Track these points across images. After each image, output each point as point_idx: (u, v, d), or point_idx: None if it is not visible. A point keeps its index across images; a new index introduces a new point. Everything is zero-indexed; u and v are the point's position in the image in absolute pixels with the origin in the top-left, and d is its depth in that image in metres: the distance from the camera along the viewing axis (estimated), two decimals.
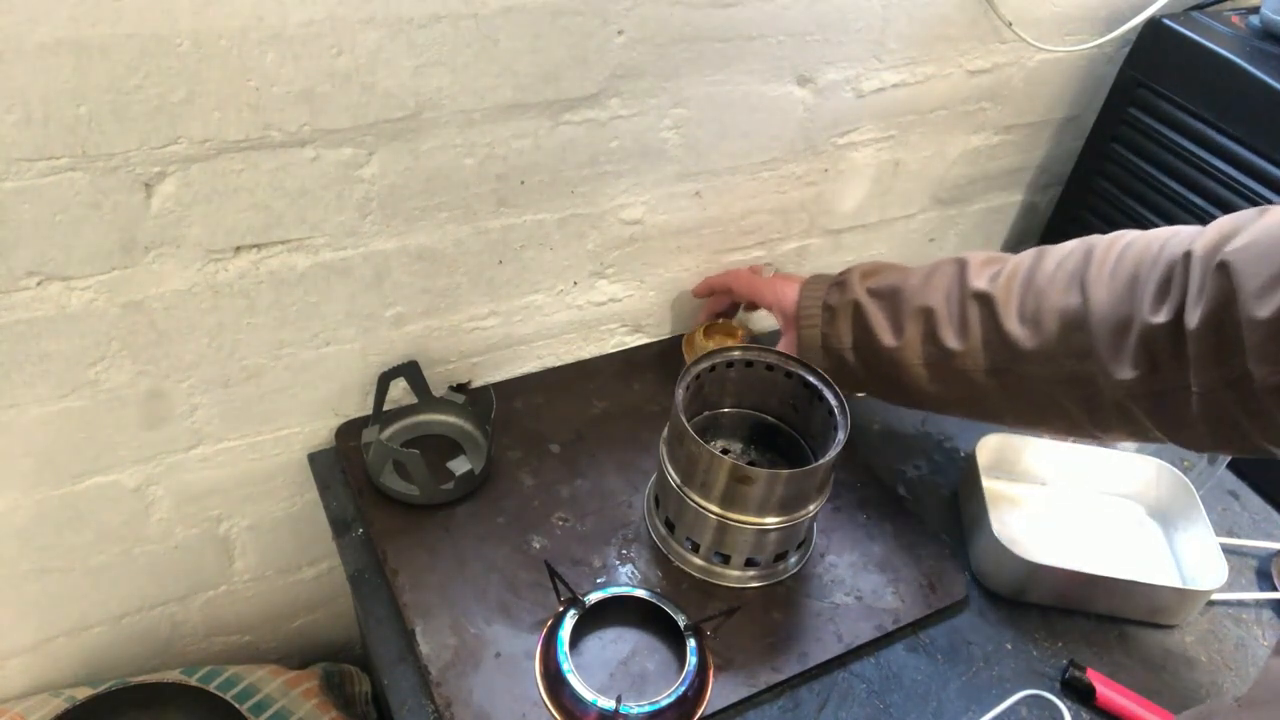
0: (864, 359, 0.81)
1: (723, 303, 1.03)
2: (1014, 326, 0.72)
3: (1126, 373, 0.66)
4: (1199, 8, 1.08)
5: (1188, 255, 0.63)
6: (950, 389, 0.78)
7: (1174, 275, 0.64)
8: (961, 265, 0.77)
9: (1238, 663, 0.84)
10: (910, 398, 0.82)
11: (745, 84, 0.91)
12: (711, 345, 1.00)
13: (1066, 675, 0.80)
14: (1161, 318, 0.64)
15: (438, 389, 0.95)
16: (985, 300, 0.73)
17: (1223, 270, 0.60)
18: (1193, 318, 0.61)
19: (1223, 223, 0.64)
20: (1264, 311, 0.57)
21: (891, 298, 0.79)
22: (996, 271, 0.75)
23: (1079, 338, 0.68)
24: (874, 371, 0.82)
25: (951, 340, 0.75)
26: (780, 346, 0.88)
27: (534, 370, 1.04)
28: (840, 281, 0.84)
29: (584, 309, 1.02)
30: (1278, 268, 0.57)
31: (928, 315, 0.76)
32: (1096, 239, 0.72)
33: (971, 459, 0.91)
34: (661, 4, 0.81)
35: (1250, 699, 0.54)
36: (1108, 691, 0.78)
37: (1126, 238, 0.70)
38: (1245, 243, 0.60)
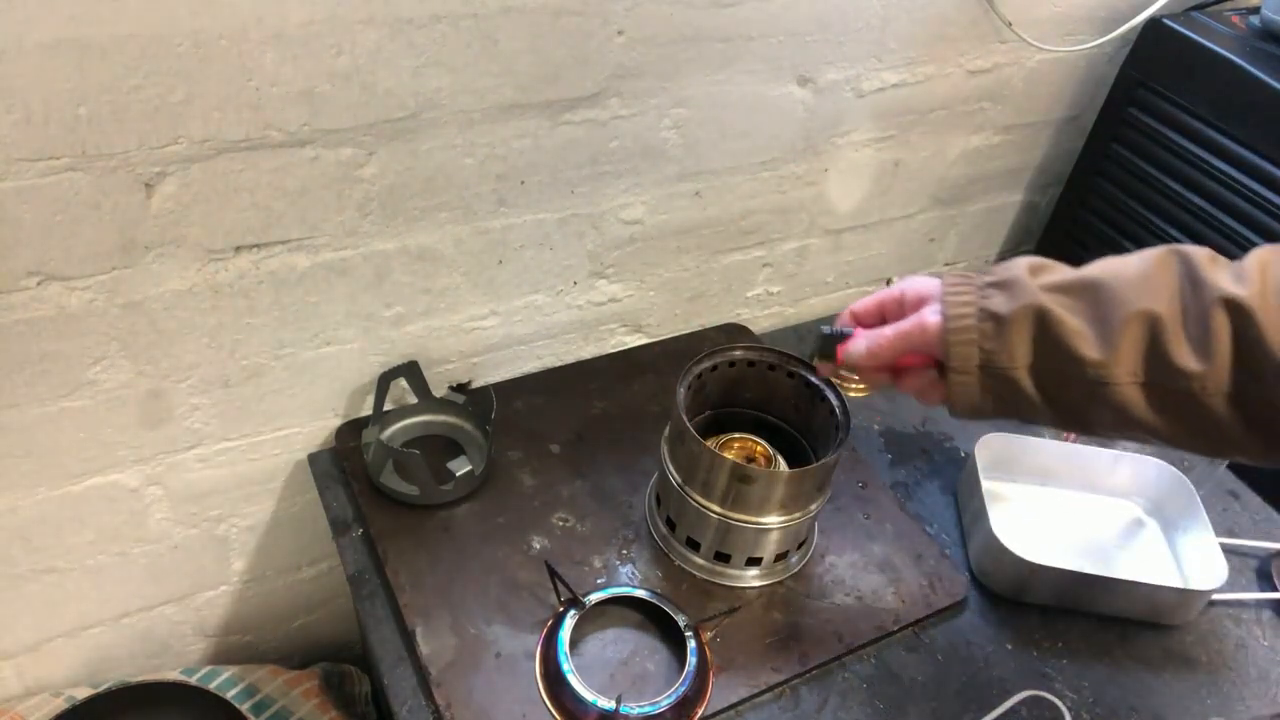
0: (1047, 381, 0.62)
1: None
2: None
3: None
4: (1199, 8, 1.08)
5: None
6: (1174, 418, 0.60)
7: None
8: (1185, 260, 0.60)
9: (1238, 663, 0.84)
10: (1107, 426, 0.63)
11: (745, 84, 0.91)
12: (731, 456, 0.85)
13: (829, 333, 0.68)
14: None
15: (438, 389, 0.95)
16: (1238, 310, 0.57)
17: None
18: None
19: None
20: None
21: (1090, 296, 0.60)
22: (1238, 273, 0.59)
23: None
24: (1057, 396, 0.62)
25: (1186, 358, 0.58)
26: (908, 378, 0.66)
27: (534, 370, 1.04)
28: (1002, 281, 0.61)
29: (584, 309, 1.02)
30: None
31: (1152, 323, 0.58)
32: None
33: (971, 459, 0.91)
34: (661, 4, 0.81)
35: None
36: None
37: None
38: None
